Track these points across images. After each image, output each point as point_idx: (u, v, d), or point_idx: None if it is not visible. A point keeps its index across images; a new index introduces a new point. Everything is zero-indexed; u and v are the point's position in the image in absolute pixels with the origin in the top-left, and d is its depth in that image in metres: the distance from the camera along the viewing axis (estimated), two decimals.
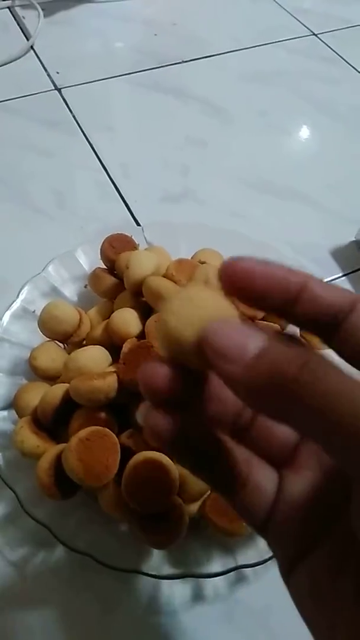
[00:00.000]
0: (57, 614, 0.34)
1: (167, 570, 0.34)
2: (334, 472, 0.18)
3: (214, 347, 0.15)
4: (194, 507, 0.34)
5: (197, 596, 0.35)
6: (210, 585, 0.35)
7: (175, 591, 0.35)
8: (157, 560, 0.34)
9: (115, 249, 0.44)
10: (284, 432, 0.20)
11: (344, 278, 0.54)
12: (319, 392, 0.14)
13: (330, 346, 0.18)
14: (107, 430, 0.33)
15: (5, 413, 0.38)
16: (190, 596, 0.35)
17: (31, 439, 0.34)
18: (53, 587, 0.35)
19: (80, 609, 0.35)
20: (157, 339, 0.17)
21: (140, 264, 0.40)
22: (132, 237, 0.45)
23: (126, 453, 0.33)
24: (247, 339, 0.15)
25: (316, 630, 0.17)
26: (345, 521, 0.17)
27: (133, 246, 0.45)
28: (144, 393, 0.18)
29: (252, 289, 0.17)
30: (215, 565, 0.34)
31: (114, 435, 0.33)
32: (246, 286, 0.17)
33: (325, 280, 0.53)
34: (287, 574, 0.18)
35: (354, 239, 0.56)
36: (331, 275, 0.54)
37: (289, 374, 0.14)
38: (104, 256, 0.44)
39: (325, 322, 0.17)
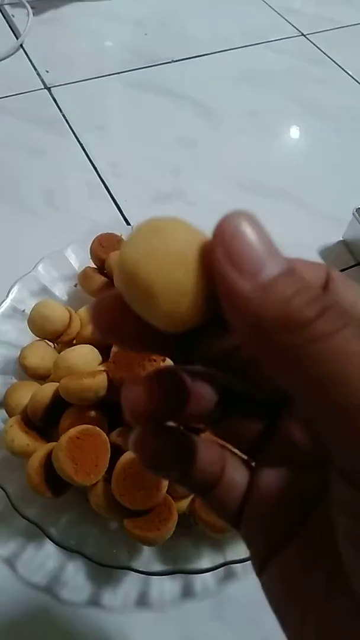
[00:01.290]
0: (45, 609, 0.34)
1: (157, 567, 0.34)
2: (307, 464, 0.17)
3: (229, 249, 0.13)
4: (183, 504, 0.35)
5: (187, 592, 0.35)
6: (200, 582, 0.35)
7: (165, 587, 0.35)
8: (147, 557, 0.34)
9: (105, 248, 0.44)
10: (257, 421, 0.18)
11: None
12: (327, 350, 0.12)
13: None
14: (97, 428, 0.33)
15: None
16: (180, 592, 0.35)
17: (21, 438, 0.34)
18: (42, 582, 0.35)
19: (70, 604, 0.35)
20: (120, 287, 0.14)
21: None
22: (122, 237, 0.45)
23: (116, 451, 0.33)
24: (268, 256, 0.13)
25: (287, 622, 0.17)
26: (318, 515, 0.16)
27: None
28: (132, 419, 0.16)
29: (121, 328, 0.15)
30: (205, 562, 0.34)
31: (104, 434, 0.33)
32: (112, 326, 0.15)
33: None
34: (260, 569, 0.17)
35: (342, 239, 0.57)
36: None
37: (302, 316, 0.12)
38: (94, 255, 0.44)
39: None
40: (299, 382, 0.13)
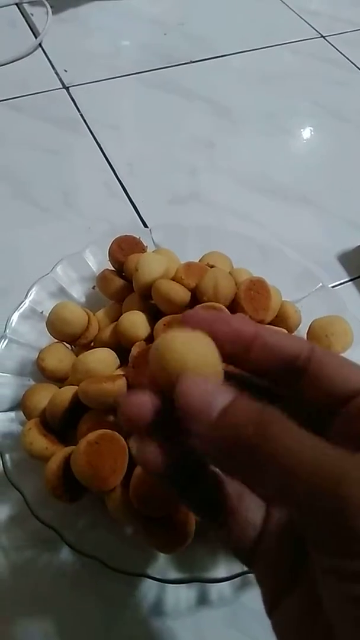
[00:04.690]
0: (61, 616, 0.34)
1: (173, 574, 0.34)
2: None
3: (183, 405, 0.16)
4: None
5: (203, 600, 0.35)
6: (216, 590, 0.35)
7: (181, 595, 0.35)
8: (163, 564, 0.34)
9: (124, 250, 0.43)
10: None
11: (350, 283, 0.54)
12: (270, 452, 0.14)
13: (291, 392, 0.19)
14: (116, 433, 0.33)
15: (12, 414, 0.38)
16: (195, 600, 0.35)
17: (40, 441, 0.34)
18: (58, 589, 0.35)
19: (85, 612, 0.35)
20: (149, 369, 0.18)
21: (150, 267, 0.40)
22: (140, 239, 0.45)
23: (134, 457, 0.33)
24: (212, 397, 0.16)
25: None
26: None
27: (141, 248, 0.44)
28: (125, 423, 0.18)
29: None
30: (221, 570, 0.34)
31: (123, 439, 0.33)
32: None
33: (332, 285, 0.53)
34: (270, 610, 0.18)
35: None
36: (337, 279, 0.54)
37: (244, 435, 0.15)
38: (112, 258, 0.44)
39: (281, 368, 0.18)
40: (268, 488, 0.15)
